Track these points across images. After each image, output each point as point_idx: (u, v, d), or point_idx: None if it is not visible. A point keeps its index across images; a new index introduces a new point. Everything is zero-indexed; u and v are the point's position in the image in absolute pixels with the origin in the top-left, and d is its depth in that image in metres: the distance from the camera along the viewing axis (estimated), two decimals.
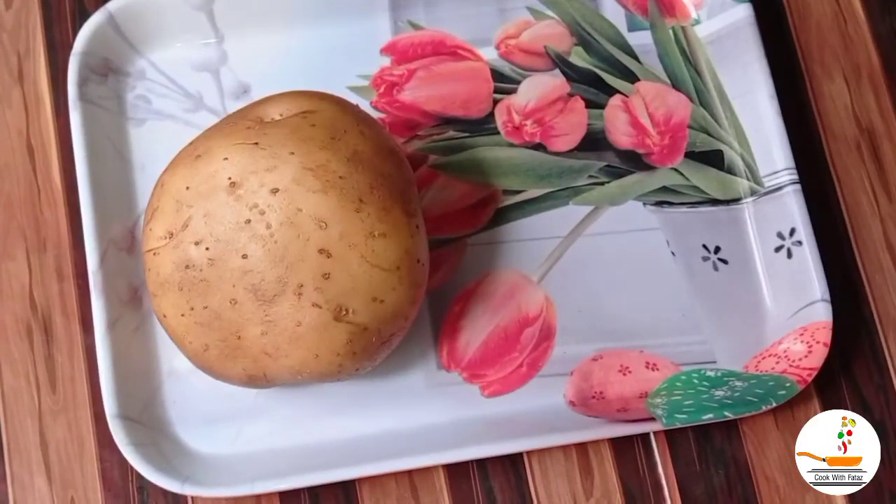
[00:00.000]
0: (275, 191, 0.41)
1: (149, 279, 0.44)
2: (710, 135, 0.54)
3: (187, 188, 0.42)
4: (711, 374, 0.50)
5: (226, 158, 0.42)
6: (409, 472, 0.49)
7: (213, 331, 0.42)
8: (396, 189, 0.43)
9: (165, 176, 0.43)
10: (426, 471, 0.49)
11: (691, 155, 0.54)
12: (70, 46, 0.52)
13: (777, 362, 0.50)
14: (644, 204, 0.53)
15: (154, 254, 0.43)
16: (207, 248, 0.41)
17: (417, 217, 0.44)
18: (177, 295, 0.42)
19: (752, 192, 0.53)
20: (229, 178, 0.41)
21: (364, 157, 0.42)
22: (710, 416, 0.48)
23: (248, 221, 0.41)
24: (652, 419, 0.48)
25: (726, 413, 0.48)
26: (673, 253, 0.52)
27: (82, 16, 0.54)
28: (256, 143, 0.42)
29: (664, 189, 0.53)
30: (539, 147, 0.53)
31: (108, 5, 0.52)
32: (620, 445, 0.50)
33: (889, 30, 0.56)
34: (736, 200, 0.53)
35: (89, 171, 0.50)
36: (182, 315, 0.43)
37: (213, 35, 0.54)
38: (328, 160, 0.41)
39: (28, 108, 0.54)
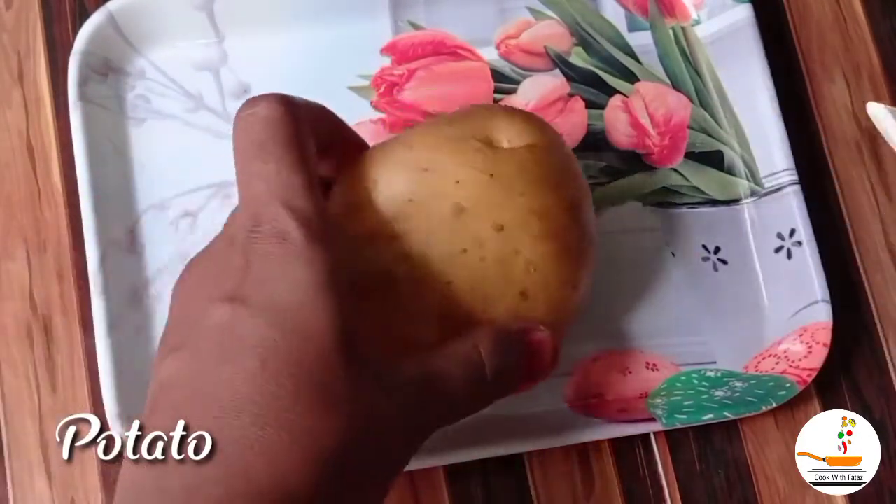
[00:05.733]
0: (499, 228, 0.40)
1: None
2: (710, 135, 0.54)
3: (411, 200, 0.41)
4: (711, 374, 0.50)
5: (458, 182, 0.40)
6: (409, 472, 0.49)
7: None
8: (593, 245, 0.44)
9: (380, 171, 0.42)
10: (426, 471, 0.49)
11: (691, 155, 0.54)
12: (70, 46, 0.52)
13: (777, 363, 0.50)
14: (644, 204, 0.53)
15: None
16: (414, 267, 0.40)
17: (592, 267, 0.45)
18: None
19: (752, 193, 0.53)
20: (457, 203, 0.40)
21: (580, 207, 0.43)
22: (710, 416, 0.48)
23: (465, 251, 0.40)
24: (652, 419, 0.48)
25: (726, 413, 0.48)
26: (673, 253, 0.52)
27: (82, 15, 0.54)
28: (491, 175, 0.40)
29: (664, 189, 0.53)
30: None
31: (109, 5, 0.52)
32: (620, 446, 0.50)
33: (889, 30, 0.56)
34: (736, 201, 0.53)
35: (89, 171, 0.50)
36: None
37: (213, 35, 0.53)
38: (552, 206, 0.41)
39: (28, 108, 0.54)
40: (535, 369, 0.41)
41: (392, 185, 0.41)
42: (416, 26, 0.54)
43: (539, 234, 0.40)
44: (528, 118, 0.44)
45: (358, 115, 0.52)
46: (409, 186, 0.41)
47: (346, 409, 0.32)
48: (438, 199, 0.40)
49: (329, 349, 0.32)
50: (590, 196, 0.44)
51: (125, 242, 0.51)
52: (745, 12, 0.53)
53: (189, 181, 0.52)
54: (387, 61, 0.54)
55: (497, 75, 0.54)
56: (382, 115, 0.53)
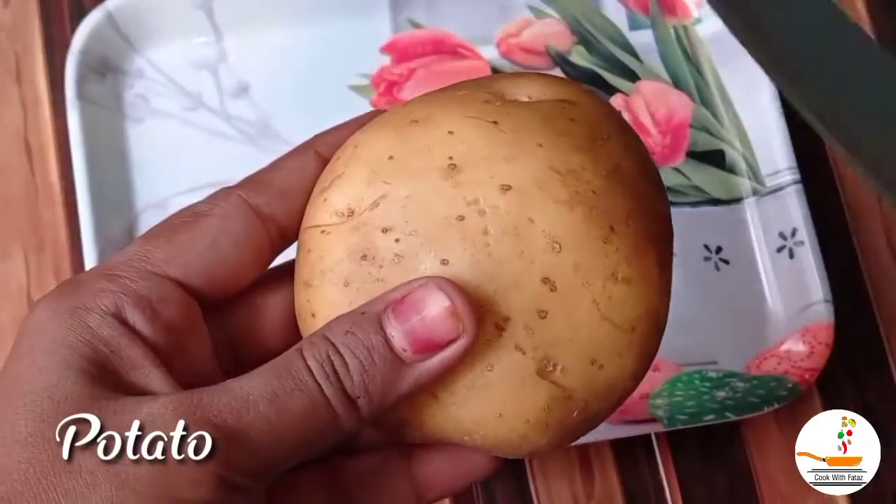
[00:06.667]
0: (506, 188, 0.31)
1: (304, 263, 0.33)
2: (711, 134, 0.54)
3: (391, 158, 0.32)
4: (713, 374, 0.50)
5: (451, 132, 0.31)
6: None
7: None
8: (655, 227, 0.33)
9: (362, 137, 0.33)
10: None
11: (693, 154, 0.53)
12: (68, 45, 0.51)
13: (779, 363, 0.50)
14: None
15: (322, 231, 0.32)
16: (397, 241, 0.31)
17: (670, 270, 0.34)
18: (339, 292, 0.31)
19: (754, 192, 0.53)
20: (450, 159, 0.31)
21: (626, 175, 0.32)
22: (712, 417, 0.48)
23: (461, 219, 0.31)
24: (653, 420, 0.48)
25: (728, 414, 0.48)
26: (674, 253, 0.52)
27: (80, 14, 0.53)
28: (496, 123, 0.32)
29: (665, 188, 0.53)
30: None
31: (107, 3, 0.51)
32: (621, 446, 0.50)
33: (892, 29, 0.56)
34: (737, 200, 0.53)
35: (87, 170, 0.50)
36: None
37: (212, 33, 0.53)
38: (583, 167, 0.31)
39: (26, 107, 0.53)
40: (425, 337, 0.29)
41: (370, 144, 0.32)
42: (416, 25, 0.54)
43: (563, 198, 0.31)
44: (560, 79, 0.35)
45: (357, 113, 0.52)
46: (391, 144, 0.32)
47: None
48: (427, 154, 0.31)
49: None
50: (653, 174, 0.34)
51: (124, 242, 0.50)
52: None
53: (187, 180, 0.51)
54: (387, 60, 0.54)
55: (498, 74, 0.54)
56: None
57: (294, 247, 0.34)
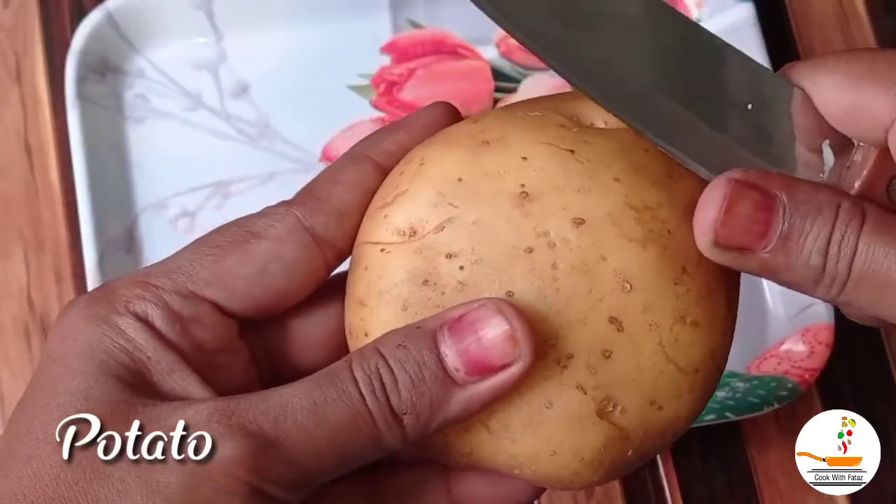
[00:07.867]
0: (579, 222, 0.30)
1: (360, 280, 0.31)
2: None
3: (459, 180, 0.31)
4: None
5: (525, 158, 0.31)
6: None
7: None
8: (725, 266, 0.31)
9: (429, 153, 0.32)
10: None
11: None
12: (68, 45, 0.52)
13: (779, 363, 0.50)
14: None
15: (382, 249, 0.31)
16: (462, 268, 0.30)
17: (735, 308, 0.33)
18: (395, 315, 0.30)
19: None
20: (522, 186, 0.30)
21: None
22: (712, 417, 0.48)
23: (530, 251, 0.30)
24: None
25: (728, 414, 0.48)
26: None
27: (80, 14, 0.53)
28: (572, 152, 0.31)
29: None
30: None
31: (107, 4, 0.51)
32: None
33: (891, 29, 0.56)
34: None
35: (87, 170, 0.50)
36: None
37: (212, 33, 0.53)
38: (659, 204, 0.30)
39: (26, 107, 0.53)
40: (479, 358, 0.29)
41: (439, 162, 0.31)
42: (416, 25, 0.54)
43: (637, 236, 0.30)
44: None
45: (357, 114, 0.52)
46: (461, 164, 0.31)
47: None
48: (496, 180, 0.30)
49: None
50: None
51: (123, 242, 0.50)
52: (747, 12, 0.53)
53: (187, 180, 0.52)
54: (387, 60, 0.54)
55: (497, 74, 0.54)
56: (382, 115, 0.53)
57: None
